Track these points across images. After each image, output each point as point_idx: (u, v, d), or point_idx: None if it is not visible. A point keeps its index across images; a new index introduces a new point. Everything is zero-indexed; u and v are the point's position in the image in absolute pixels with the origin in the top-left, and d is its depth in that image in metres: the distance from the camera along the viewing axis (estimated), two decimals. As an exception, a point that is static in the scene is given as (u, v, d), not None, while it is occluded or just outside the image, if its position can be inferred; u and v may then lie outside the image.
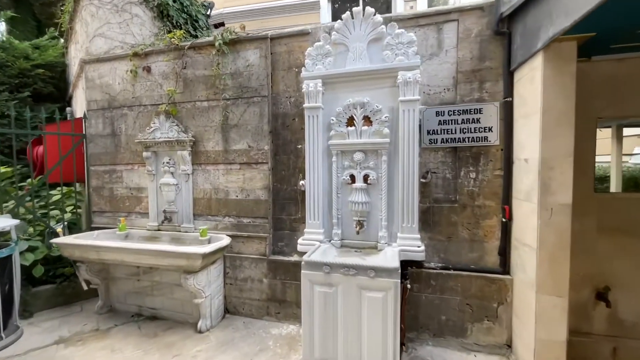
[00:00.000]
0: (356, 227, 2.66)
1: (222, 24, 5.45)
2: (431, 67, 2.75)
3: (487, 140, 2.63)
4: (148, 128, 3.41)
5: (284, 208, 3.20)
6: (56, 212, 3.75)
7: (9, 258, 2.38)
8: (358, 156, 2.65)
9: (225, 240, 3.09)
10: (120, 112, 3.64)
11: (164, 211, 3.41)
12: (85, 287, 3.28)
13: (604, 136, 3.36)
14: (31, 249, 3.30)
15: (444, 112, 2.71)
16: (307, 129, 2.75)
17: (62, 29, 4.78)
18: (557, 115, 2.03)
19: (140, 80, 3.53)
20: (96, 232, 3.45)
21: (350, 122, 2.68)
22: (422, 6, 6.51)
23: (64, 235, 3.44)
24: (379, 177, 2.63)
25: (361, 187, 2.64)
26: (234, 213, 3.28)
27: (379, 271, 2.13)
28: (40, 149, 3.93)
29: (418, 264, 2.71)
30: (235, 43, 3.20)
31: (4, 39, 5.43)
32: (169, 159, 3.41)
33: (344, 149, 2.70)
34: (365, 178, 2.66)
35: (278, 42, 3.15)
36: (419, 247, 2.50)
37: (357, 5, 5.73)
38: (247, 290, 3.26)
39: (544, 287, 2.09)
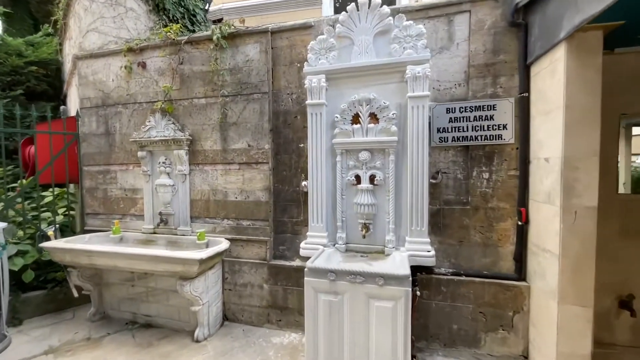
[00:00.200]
0: (362, 231, 2.52)
1: (221, 21, 5.31)
2: (441, 62, 2.60)
3: (501, 139, 2.48)
4: (143, 126, 3.27)
5: (286, 210, 3.05)
6: (48, 214, 3.60)
7: (-5, 263, 2.26)
8: (364, 155, 2.51)
9: (223, 244, 2.94)
10: (115, 110, 3.49)
11: (160, 213, 3.26)
12: (75, 294, 3.13)
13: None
14: (21, 253, 3.15)
15: (455, 108, 2.56)
16: (309, 127, 2.61)
17: (57, 26, 4.64)
18: (582, 111, 1.88)
19: (135, 76, 3.39)
20: (88, 235, 3.30)
21: (356, 119, 2.54)
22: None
23: (56, 238, 3.29)
24: (386, 178, 2.49)
25: (367, 188, 2.50)
26: (233, 215, 3.13)
27: (388, 279, 1.98)
28: (32, 148, 3.78)
29: (428, 270, 2.56)
30: (234, 37, 3.05)
31: (-3, 35, 5.29)
32: (165, 159, 3.26)
33: (348, 147, 2.55)
34: (372, 179, 2.52)
35: (279, 36, 3.00)
36: (429, 251, 2.35)
37: None
38: (246, 297, 3.11)
39: (567, 296, 1.94)
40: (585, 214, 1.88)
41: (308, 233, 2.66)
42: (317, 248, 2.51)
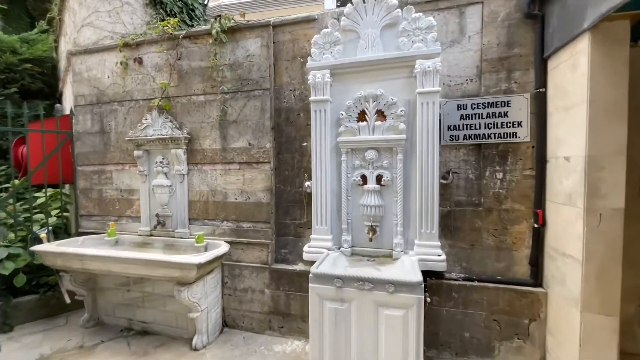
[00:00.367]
0: (368, 234, 2.40)
1: (221, 17, 5.17)
2: (452, 56, 2.47)
3: (515, 137, 2.35)
4: (140, 125, 3.14)
5: (288, 212, 2.92)
6: (40, 216, 3.47)
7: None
8: (370, 154, 2.39)
9: (223, 248, 2.81)
10: (110, 108, 3.36)
11: (157, 215, 3.13)
12: (68, 300, 3.00)
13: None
14: (12, 257, 3.02)
15: (466, 105, 2.44)
16: (313, 125, 2.49)
17: (53, 23, 4.51)
18: (607, 106, 1.75)
19: (131, 72, 3.25)
20: (82, 238, 3.17)
21: (362, 116, 2.43)
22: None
23: (49, 241, 3.16)
24: (393, 178, 2.37)
25: (374, 189, 2.38)
26: (232, 217, 3.00)
27: (399, 285, 1.86)
28: (25, 148, 3.65)
29: (438, 275, 2.44)
30: (234, 31, 2.92)
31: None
32: (163, 158, 3.13)
33: (354, 146, 2.44)
34: (379, 179, 2.40)
35: (281, 29, 2.87)
36: (439, 255, 2.24)
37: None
38: (247, 302, 2.98)
39: (591, 304, 1.81)
40: (611, 216, 1.76)
41: (312, 236, 2.54)
42: (321, 252, 2.39)
